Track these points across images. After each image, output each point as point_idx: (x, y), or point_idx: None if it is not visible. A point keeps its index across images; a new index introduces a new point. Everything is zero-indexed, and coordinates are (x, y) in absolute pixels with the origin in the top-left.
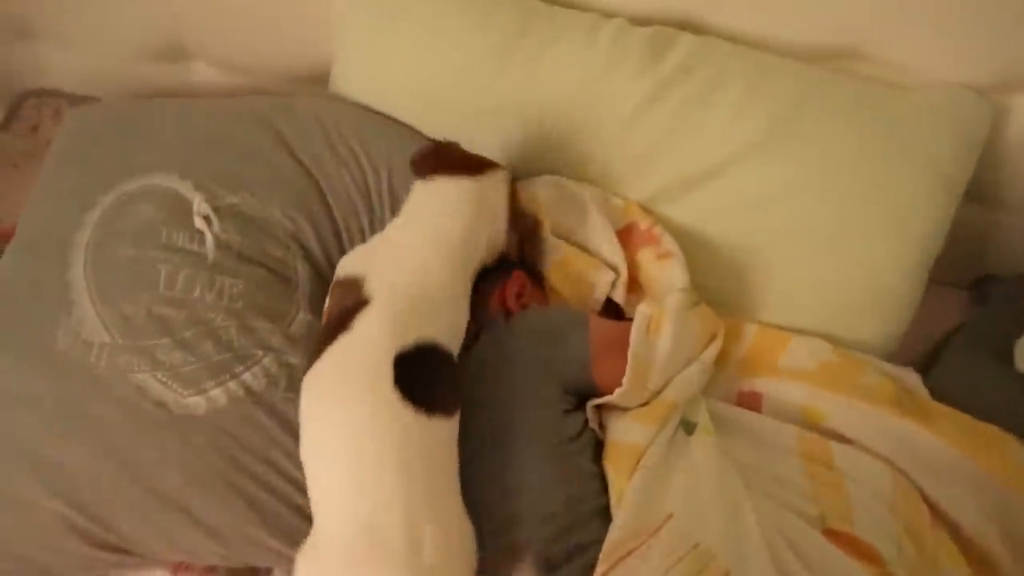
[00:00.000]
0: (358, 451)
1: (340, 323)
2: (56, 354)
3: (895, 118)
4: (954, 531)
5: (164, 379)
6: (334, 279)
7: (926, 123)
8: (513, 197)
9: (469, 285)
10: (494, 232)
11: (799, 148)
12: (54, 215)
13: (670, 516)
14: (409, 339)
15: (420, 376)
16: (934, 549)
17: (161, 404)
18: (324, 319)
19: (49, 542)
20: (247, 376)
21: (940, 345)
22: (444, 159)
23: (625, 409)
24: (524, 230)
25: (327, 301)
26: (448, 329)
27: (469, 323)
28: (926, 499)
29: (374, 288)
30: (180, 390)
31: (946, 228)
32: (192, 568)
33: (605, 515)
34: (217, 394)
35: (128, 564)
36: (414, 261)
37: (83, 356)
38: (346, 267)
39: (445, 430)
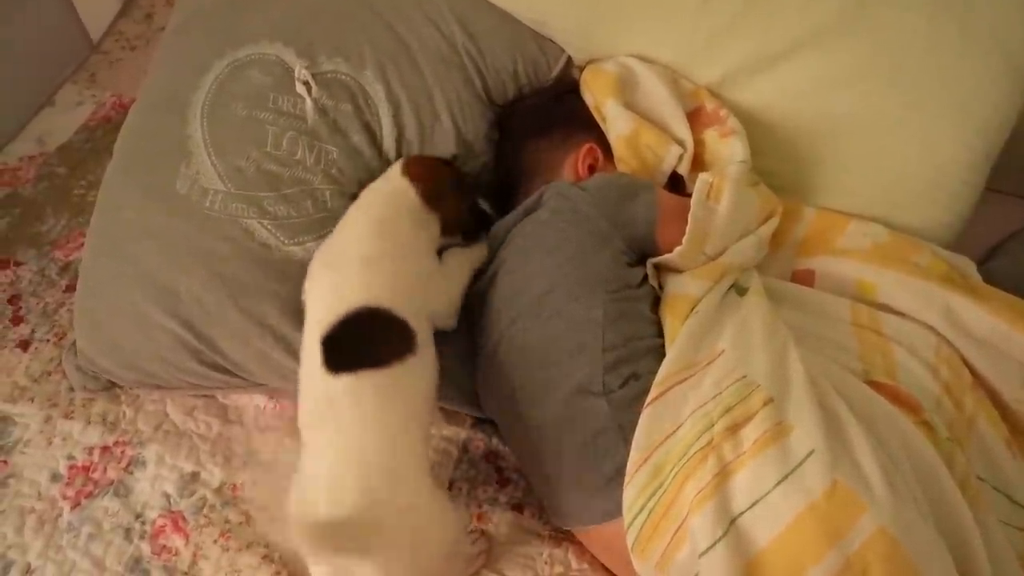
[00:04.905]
0: (310, 420)
1: None
2: (177, 196)
3: (966, 3)
4: (995, 398)
5: (269, 227)
6: None
7: (997, 9)
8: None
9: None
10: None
11: (869, 32)
12: (173, 78)
13: (721, 352)
14: (336, 313)
15: (342, 342)
16: (973, 410)
17: (265, 246)
18: None
19: (166, 357)
20: None
21: (1000, 243)
22: None
23: (681, 271)
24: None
25: None
26: (391, 288)
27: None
28: (969, 367)
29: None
30: (282, 238)
31: (1011, 118)
32: (287, 393)
33: (660, 353)
34: (312, 246)
35: (232, 385)
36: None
37: (200, 200)
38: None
39: (377, 382)
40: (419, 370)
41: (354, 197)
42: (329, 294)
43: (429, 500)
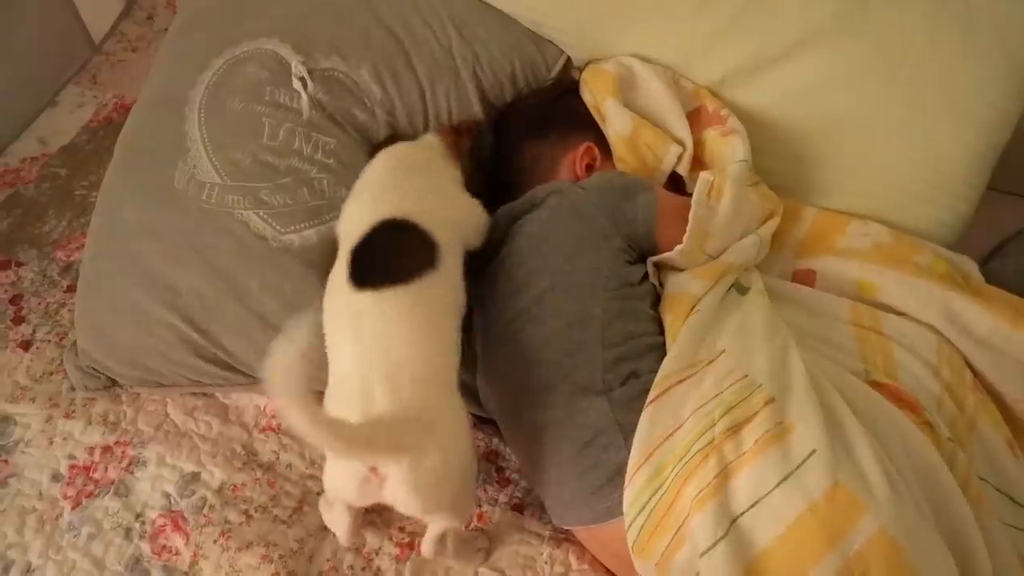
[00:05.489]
0: (333, 331)
1: None
2: (175, 192)
3: (967, 3)
4: (996, 399)
5: (265, 217)
6: None
7: (999, 9)
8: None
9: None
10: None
11: (869, 32)
12: (173, 77)
13: (722, 352)
14: (357, 232)
15: (366, 260)
16: (974, 411)
17: (262, 238)
18: None
19: (168, 354)
20: (336, 222)
21: (1003, 242)
22: None
23: (682, 270)
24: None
25: None
26: (408, 205)
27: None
28: (971, 367)
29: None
30: (278, 227)
31: (1013, 118)
32: None
33: (660, 351)
34: (310, 234)
35: (234, 382)
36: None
37: (196, 194)
38: None
39: (402, 297)
40: (441, 284)
41: (345, 187)
42: (357, 214)
43: (454, 409)
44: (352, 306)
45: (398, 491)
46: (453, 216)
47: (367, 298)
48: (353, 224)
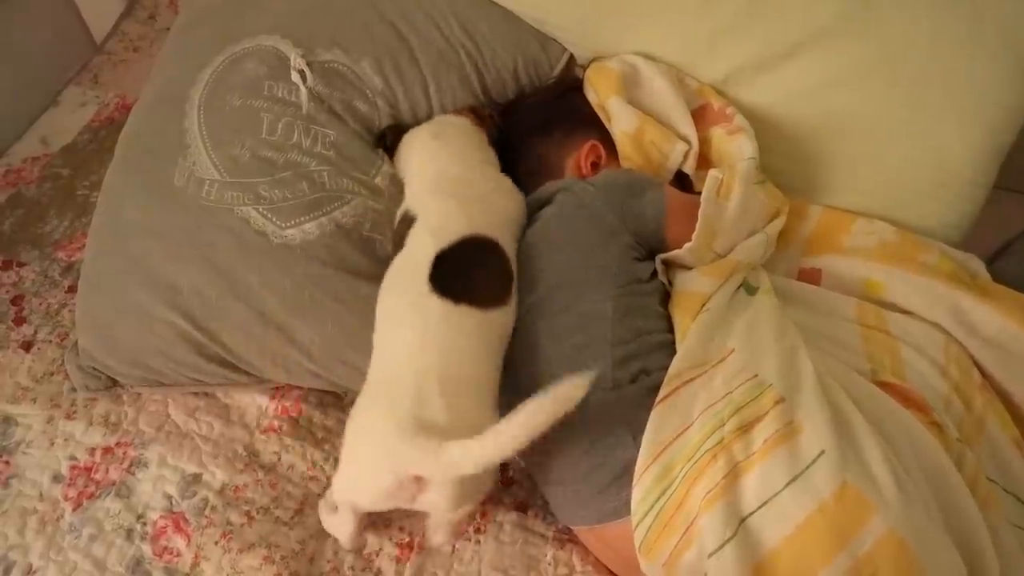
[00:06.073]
0: (393, 326)
1: (399, 244)
2: (175, 190)
3: (974, 3)
4: (1004, 399)
5: (265, 212)
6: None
7: (1006, 9)
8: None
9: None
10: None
11: (874, 32)
12: (174, 75)
13: (732, 351)
14: (448, 238)
15: (453, 270)
16: (982, 411)
17: (262, 234)
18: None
19: (169, 352)
20: (337, 214)
21: (1010, 241)
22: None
23: (690, 268)
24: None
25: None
26: (492, 219)
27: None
28: (978, 367)
29: (416, 208)
30: (279, 222)
31: (1019, 118)
32: (288, 394)
33: (670, 348)
34: (311, 227)
35: (234, 381)
36: (439, 182)
37: (196, 191)
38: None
39: (473, 318)
40: (506, 317)
41: (353, 177)
42: (441, 209)
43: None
44: (422, 308)
45: (440, 497)
46: (516, 222)
47: (442, 306)
48: (434, 218)
